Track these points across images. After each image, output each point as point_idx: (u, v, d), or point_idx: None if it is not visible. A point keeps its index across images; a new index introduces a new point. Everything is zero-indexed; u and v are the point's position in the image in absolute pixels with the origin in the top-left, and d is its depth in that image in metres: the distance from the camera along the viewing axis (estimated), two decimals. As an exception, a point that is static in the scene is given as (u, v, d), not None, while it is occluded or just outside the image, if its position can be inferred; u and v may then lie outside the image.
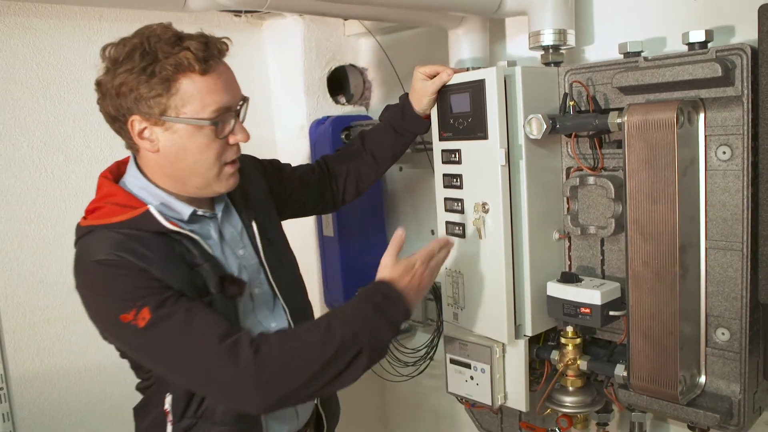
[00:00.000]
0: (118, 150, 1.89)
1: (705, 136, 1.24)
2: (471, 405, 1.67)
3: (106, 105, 1.13)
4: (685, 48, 1.26)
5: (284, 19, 2.12)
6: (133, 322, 1.03)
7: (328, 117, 2.12)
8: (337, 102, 2.24)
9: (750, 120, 1.18)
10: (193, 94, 1.10)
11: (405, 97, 1.54)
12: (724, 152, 1.22)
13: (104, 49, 1.12)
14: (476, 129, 1.41)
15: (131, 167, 1.21)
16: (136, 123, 1.12)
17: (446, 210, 1.53)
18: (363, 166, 1.58)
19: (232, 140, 1.18)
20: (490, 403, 1.49)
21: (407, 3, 1.44)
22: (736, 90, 1.17)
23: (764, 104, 1.14)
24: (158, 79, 1.07)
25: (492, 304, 1.45)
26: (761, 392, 1.33)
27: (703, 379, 1.30)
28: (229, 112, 1.16)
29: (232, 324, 1.14)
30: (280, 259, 1.34)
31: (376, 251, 2.23)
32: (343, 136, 2.09)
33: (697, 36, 1.23)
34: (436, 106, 1.51)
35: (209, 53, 1.11)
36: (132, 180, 1.20)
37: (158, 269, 1.08)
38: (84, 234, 1.13)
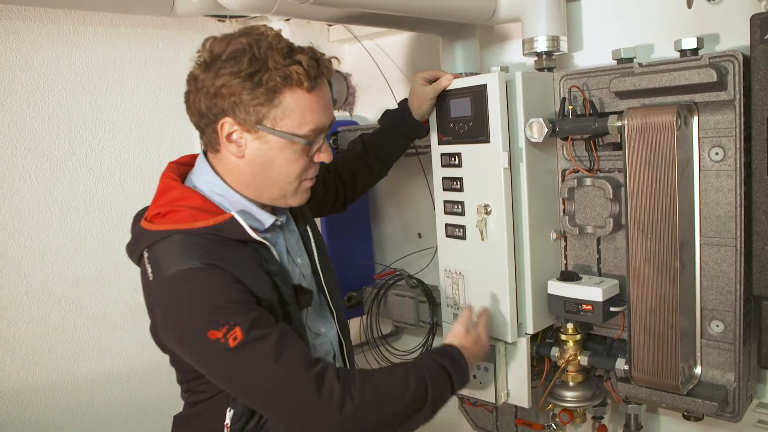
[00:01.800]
0: (105, 157, 1.90)
1: (699, 138, 1.30)
2: (472, 403, 1.70)
3: (197, 101, 1.09)
4: (675, 54, 1.33)
5: (270, 24, 2.11)
6: (222, 341, 0.98)
7: (315, 122, 2.12)
8: (322, 107, 2.24)
9: (742, 123, 1.24)
10: (295, 109, 1.09)
11: (404, 103, 1.56)
12: (717, 153, 1.29)
13: (206, 41, 1.08)
14: (477, 133, 1.44)
15: (204, 169, 1.17)
16: (227, 126, 1.09)
17: (446, 213, 1.55)
18: (368, 169, 1.60)
19: (317, 159, 1.17)
20: (494, 401, 1.52)
21: (404, 8, 1.46)
22: (729, 94, 1.24)
23: (757, 108, 1.20)
24: (264, 88, 1.05)
25: (494, 303, 1.48)
26: (752, 380, 1.40)
27: (699, 369, 1.37)
28: (323, 132, 1.15)
29: (303, 336, 1.14)
30: (327, 264, 1.34)
31: (362, 255, 2.27)
32: (331, 141, 2.09)
33: (689, 43, 1.29)
34: (435, 110, 1.53)
35: (319, 71, 1.09)
36: (207, 184, 1.16)
37: (250, 280, 1.05)
38: (160, 239, 1.07)
